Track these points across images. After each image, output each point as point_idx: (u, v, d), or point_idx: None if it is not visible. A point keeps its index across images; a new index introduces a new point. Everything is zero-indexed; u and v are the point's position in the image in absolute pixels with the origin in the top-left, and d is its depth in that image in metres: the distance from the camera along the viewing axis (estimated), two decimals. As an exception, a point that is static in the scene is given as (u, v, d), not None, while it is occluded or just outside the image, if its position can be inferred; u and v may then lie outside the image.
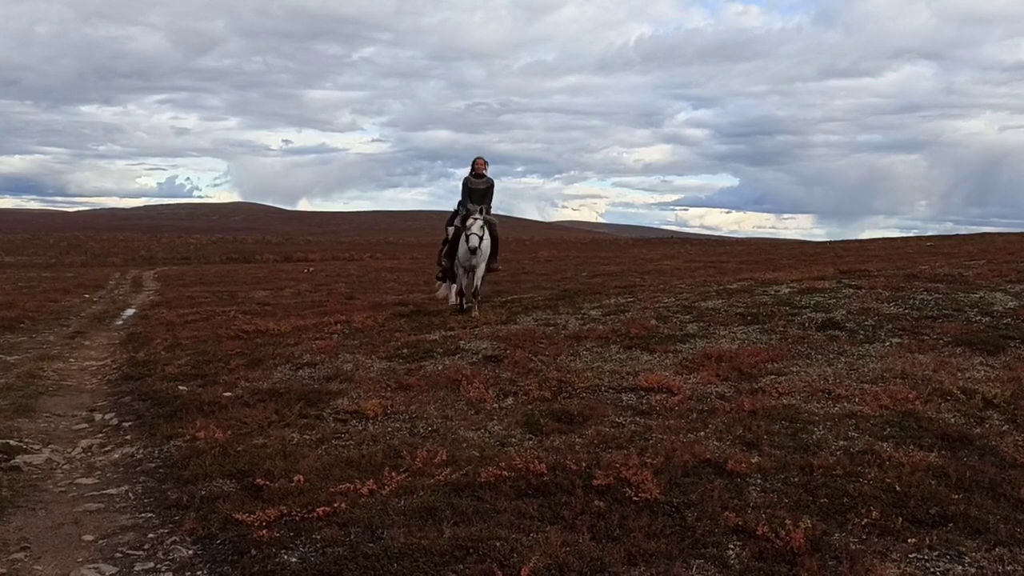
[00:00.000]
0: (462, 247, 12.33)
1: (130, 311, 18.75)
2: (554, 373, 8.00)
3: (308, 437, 6.42)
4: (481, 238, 12.07)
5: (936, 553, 4.11)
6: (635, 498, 4.78)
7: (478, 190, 12.86)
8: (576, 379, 7.72)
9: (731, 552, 4.12)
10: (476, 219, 12.21)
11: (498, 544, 4.07)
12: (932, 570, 3.92)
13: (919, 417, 6.23)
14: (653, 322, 10.19)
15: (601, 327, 10.15)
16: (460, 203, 13.29)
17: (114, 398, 8.89)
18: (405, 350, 9.64)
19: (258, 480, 5.23)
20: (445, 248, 13.75)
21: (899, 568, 3.90)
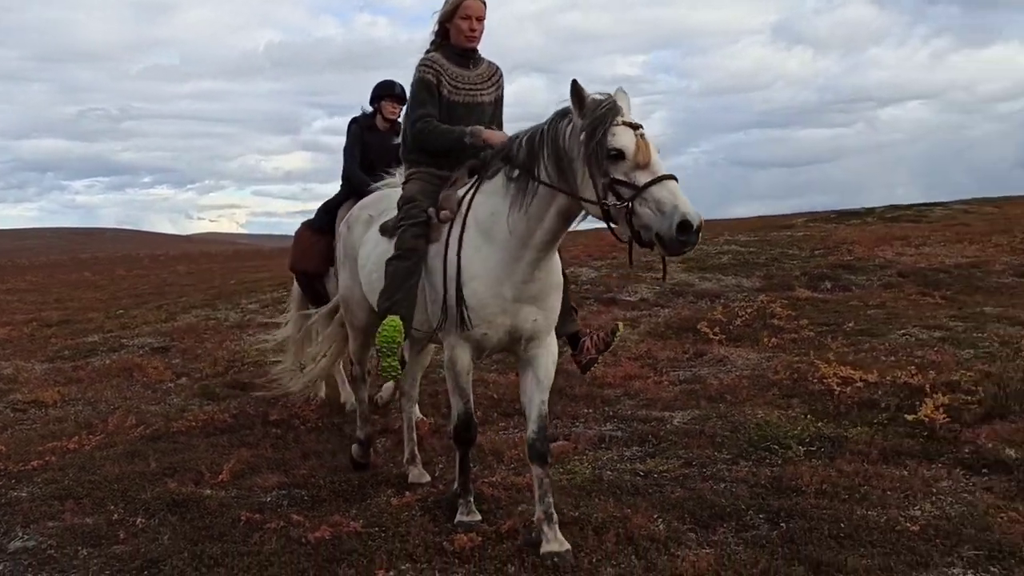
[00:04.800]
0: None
1: None
2: (223, 355, 9.06)
3: (-11, 426, 6.86)
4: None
5: (514, 428, 6.00)
6: (302, 426, 6.17)
7: (476, 104, 4.34)
8: (244, 357, 8.86)
9: (380, 444, 5.69)
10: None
11: (200, 463, 5.22)
12: (511, 437, 5.77)
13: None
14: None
15: (260, 317, 11.29)
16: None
17: None
18: (66, 351, 9.99)
19: (-46, 458, 5.74)
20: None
21: (500, 436, 5.70)
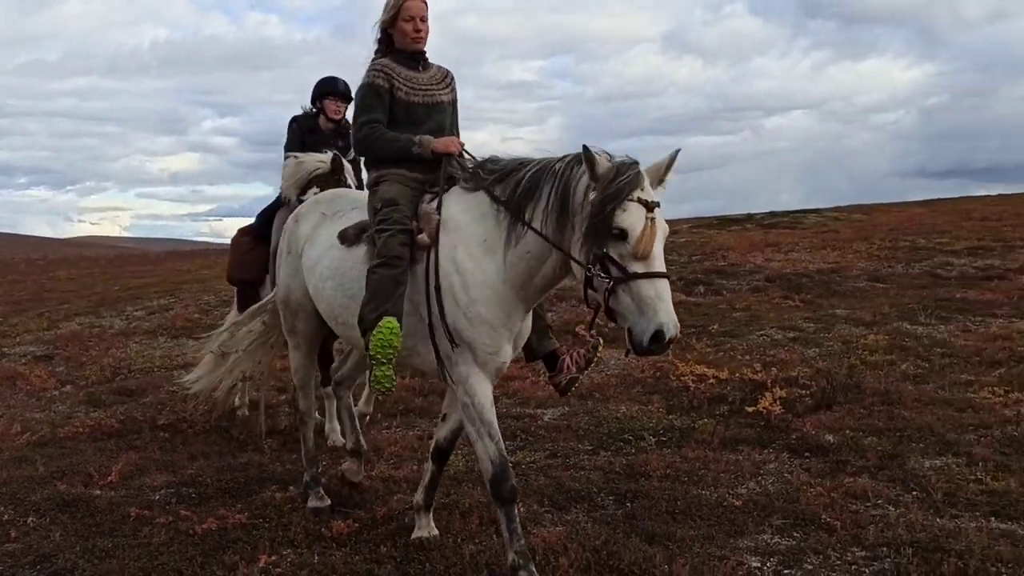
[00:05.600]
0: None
1: None
2: (109, 362, 9.11)
3: None
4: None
5: (396, 427, 6.38)
6: (190, 430, 6.39)
7: (436, 104, 4.19)
8: (131, 364, 8.94)
9: (266, 445, 5.98)
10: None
11: (89, 466, 5.40)
12: (391, 436, 6.14)
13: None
14: (197, 315, 11.64)
15: (147, 324, 11.31)
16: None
17: None
18: (-57, 363, 9.81)
19: None
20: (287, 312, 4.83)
21: (381, 434, 6.07)
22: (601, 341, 4.17)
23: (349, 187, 5.46)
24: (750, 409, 5.99)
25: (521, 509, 4.43)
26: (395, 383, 3.69)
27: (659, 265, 3.18)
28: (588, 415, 6.29)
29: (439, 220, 3.73)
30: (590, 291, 3.32)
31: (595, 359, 4.06)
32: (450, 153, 3.94)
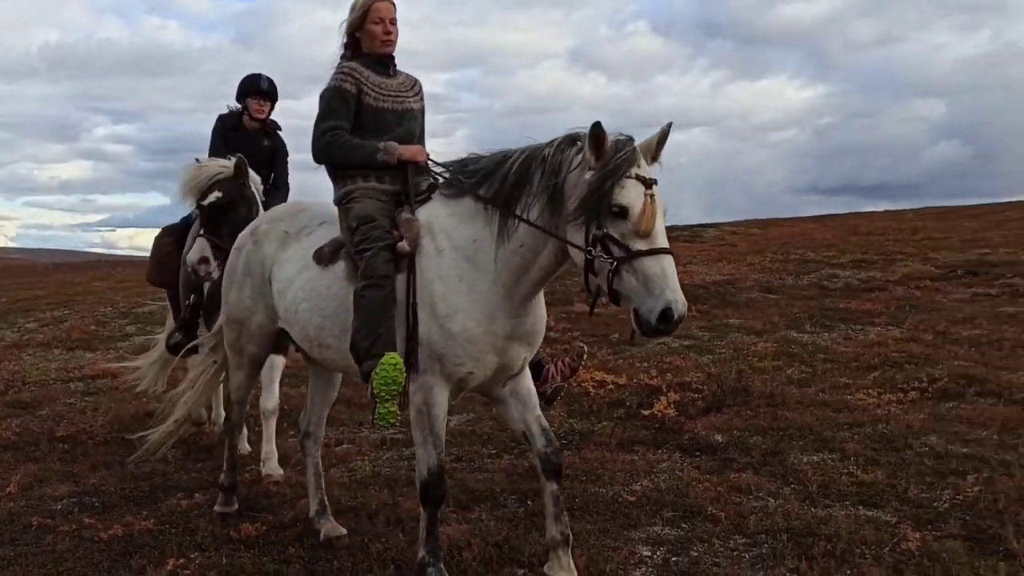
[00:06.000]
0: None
1: None
2: (2, 375, 8.84)
3: None
4: None
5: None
6: (90, 440, 6.30)
7: (406, 111, 4.08)
8: (25, 377, 8.70)
9: (170, 455, 5.95)
10: None
11: (-14, 478, 5.30)
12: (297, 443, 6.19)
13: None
14: (93, 327, 11.37)
15: (41, 336, 10.99)
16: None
17: None
18: None
19: None
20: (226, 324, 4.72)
21: (288, 442, 6.11)
22: (586, 349, 4.21)
23: (253, 193, 5.44)
24: (646, 412, 6.31)
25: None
26: (399, 418, 3.51)
27: (662, 241, 3.10)
28: (492, 420, 6.48)
29: (420, 226, 3.60)
30: (591, 275, 3.20)
31: (580, 367, 3.98)
32: (416, 162, 3.80)
